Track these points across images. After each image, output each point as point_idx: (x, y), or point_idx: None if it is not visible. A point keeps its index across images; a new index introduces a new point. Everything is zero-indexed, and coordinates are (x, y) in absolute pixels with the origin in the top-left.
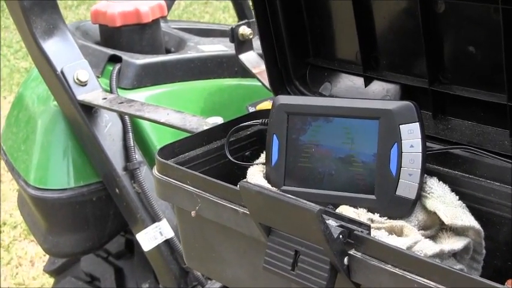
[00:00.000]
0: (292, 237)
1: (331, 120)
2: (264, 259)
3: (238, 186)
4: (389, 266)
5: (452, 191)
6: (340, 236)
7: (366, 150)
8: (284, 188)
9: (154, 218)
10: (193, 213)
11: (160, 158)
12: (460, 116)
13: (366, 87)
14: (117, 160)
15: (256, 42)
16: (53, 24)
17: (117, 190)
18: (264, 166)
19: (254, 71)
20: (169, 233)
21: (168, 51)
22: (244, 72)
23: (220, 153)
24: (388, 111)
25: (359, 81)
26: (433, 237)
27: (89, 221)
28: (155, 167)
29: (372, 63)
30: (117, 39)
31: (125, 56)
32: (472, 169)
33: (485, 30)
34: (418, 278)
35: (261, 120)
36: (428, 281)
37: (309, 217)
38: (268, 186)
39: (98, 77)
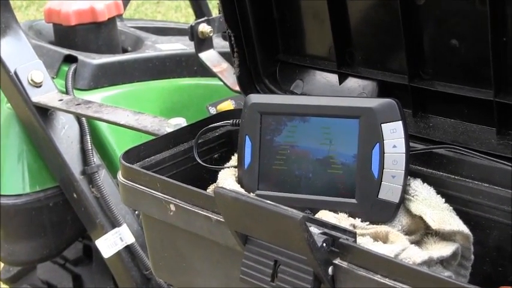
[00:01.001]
0: (272, 245)
1: (307, 119)
2: (240, 269)
3: (212, 192)
4: (378, 276)
5: (438, 193)
6: (324, 244)
7: (346, 151)
8: (258, 192)
9: (114, 223)
10: (172, 206)
11: (125, 162)
12: (442, 114)
13: (340, 84)
14: (74, 164)
15: (216, 40)
16: (5, 23)
17: (74, 195)
18: (236, 169)
19: (215, 69)
20: (130, 239)
21: (125, 51)
22: (204, 71)
23: (188, 156)
24: (369, 110)
25: (333, 78)
26: (418, 243)
27: (46, 228)
28: (119, 171)
29: (346, 58)
30: (72, 38)
31: (81, 55)
32: (458, 169)
33: (469, 22)
34: None
35: (231, 121)
36: None
37: (291, 225)
38: (242, 190)
39: (53, 77)
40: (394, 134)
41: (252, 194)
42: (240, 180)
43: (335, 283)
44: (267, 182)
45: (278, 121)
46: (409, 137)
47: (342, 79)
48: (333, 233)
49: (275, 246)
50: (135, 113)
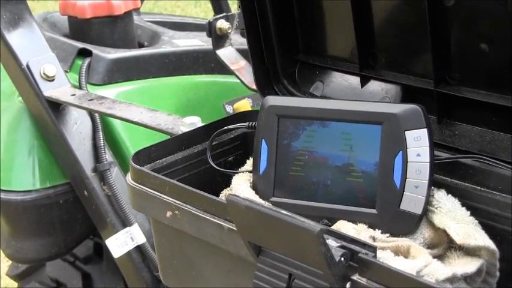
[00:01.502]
0: (286, 258)
1: (327, 124)
2: (253, 282)
3: (225, 199)
4: None
5: (463, 205)
6: (342, 259)
7: (367, 158)
8: (273, 199)
9: (125, 223)
10: (168, 213)
11: (135, 164)
12: (468, 122)
13: (362, 87)
14: (86, 161)
15: (235, 37)
16: (18, 14)
17: (85, 192)
18: (251, 174)
19: (232, 67)
20: (141, 239)
21: (141, 46)
22: (221, 68)
23: (201, 159)
24: (393, 116)
25: (355, 80)
26: (440, 257)
27: (55, 225)
28: (129, 174)
29: (369, 61)
30: (87, 32)
31: (95, 49)
32: (484, 181)
33: (500, 26)
34: None
35: (247, 123)
36: None
37: (307, 238)
38: (256, 197)
39: (66, 71)
40: (418, 142)
41: (266, 202)
42: (254, 186)
43: None
44: (283, 189)
45: (296, 125)
46: (433, 146)
47: (364, 82)
48: (352, 246)
49: (290, 258)
50: (149, 110)
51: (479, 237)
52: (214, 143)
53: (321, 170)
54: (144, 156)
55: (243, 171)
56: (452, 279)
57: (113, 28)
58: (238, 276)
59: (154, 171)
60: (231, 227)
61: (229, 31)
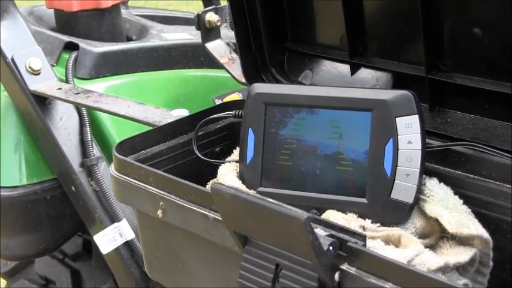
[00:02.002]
0: (273, 248)
1: (316, 112)
2: (239, 273)
3: (209, 188)
4: (389, 284)
5: (455, 193)
6: (331, 248)
7: (357, 146)
8: (261, 189)
9: (114, 218)
10: (159, 212)
11: (119, 154)
12: (461, 109)
13: (352, 75)
14: (73, 156)
15: (224, 31)
16: (3, 8)
17: (73, 188)
18: (238, 164)
19: (221, 60)
20: (130, 235)
21: (129, 39)
22: (211, 62)
23: (187, 149)
24: (383, 102)
25: (344, 68)
26: (433, 247)
27: (43, 221)
28: (112, 164)
29: (359, 48)
30: (73, 25)
31: (82, 43)
32: (477, 169)
33: (494, 10)
34: None
35: (234, 112)
36: None
37: (295, 226)
38: (243, 187)
39: (52, 65)
40: (409, 129)
41: (253, 191)
42: (241, 176)
43: None
44: (271, 179)
45: (284, 113)
46: (425, 133)
47: (354, 70)
48: (341, 235)
49: (277, 248)
50: (136, 104)
51: (472, 226)
52: (200, 133)
53: (310, 159)
54: (128, 146)
55: (229, 161)
56: (444, 269)
57: (100, 21)
58: (224, 268)
59: (138, 161)
60: (216, 217)
61: (218, 24)
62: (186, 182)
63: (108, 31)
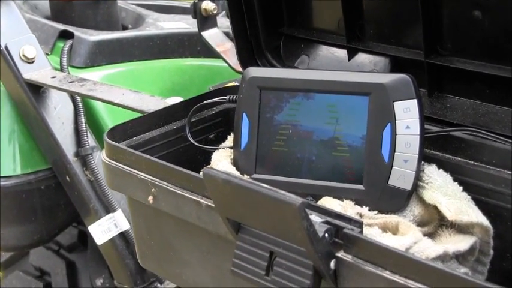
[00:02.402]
0: (267, 235)
1: (312, 96)
2: (232, 261)
3: (201, 173)
4: (386, 272)
5: (455, 180)
6: (326, 235)
7: (353, 131)
8: (255, 175)
9: (109, 209)
10: (151, 199)
11: (110, 140)
12: (461, 94)
13: (349, 60)
14: (67, 145)
15: (221, 20)
16: None
17: (67, 178)
18: (232, 150)
19: (218, 49)
20: (125, 225)
21: (125, 28)
22: (208, 52)
23: (180, 136)
24: (380, 86)
25: (342, 53)
26: (431, 235)
27: (37, 212)
28: (103, 150)
29: (356, 32)
30: (68, 14)
31: (77, 31)
32: (477, 155)
33: None
34: (422, 286)
35: (228, 97)
36: None
37: (288, 212)
38: (237, 173)
39: (47, 54)
40: (407, 114)
41: (247, 177)
42: (235, 163)
43: (337, 279)
44: (265, 165)
45: (279, 97)
46: (424, 118)
47: (351, 54)
48: (337, 222)
49: (271, 235)
50: (131, 92)
51: (472, 213)
52: (194, 119)
53: (305, 144)
54: (120, 132)
55: (223, 148)
56: (443, 258)
57: (96, 10)
58: (218, 256)
59: (130, 148)
60: (209, 203)
61: (214, 12)
62: (178, 167)
63: (104, 20)
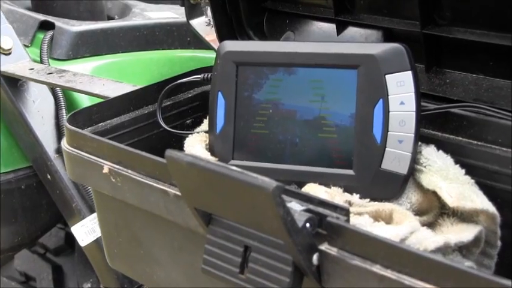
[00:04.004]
0: (241, 227)
1: (294, 71)
2: (203, 258)
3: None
4: (377, 266)
5: (456, 162)
6: (307, 225)
7: (341, 109)
8: (233, 162)
9: (93, 208)
10: (115, 190)
11: (71, 125)
12: (461, 68)
13: (338, 35)
14: (48, 141)
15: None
16: None
17: (48, 176)
18: (207, 134)
19: (207, 38)
20: None
21: (110, 20)
22: (198, 42)
23: (153, 121)
24: (370, 57)
25: (330, 28)
26: (431, 225)
27: (17, 213)
28: (64, 138)
29: (346, 4)
30: (49, 4)
31: (59, 22)
32: (481, 133)
33: None
34: (419, 282)
35: (202, 75)
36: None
37: (262, 198)
38: (212, 159)
39: (26, 46)
40: (401, 88)
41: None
42: (211, 148)
43: (321, 275)
44: (244, 150)
45: (258, 73)
46: (420, 92)
47: (340, 29)
48: (320, 210)
49: (245, 227)
50: (112, 82)
51: (476, 199)
52: (168, 103)
53: (288, 125)
54: (84, 117)
55: (197, 132)
56: (444, 250)
57: (78, 0)
58: (190, 253)
59: (96, 134)
60: (177, 192)
61: None
62: (142, 152)
63: (87, 10)
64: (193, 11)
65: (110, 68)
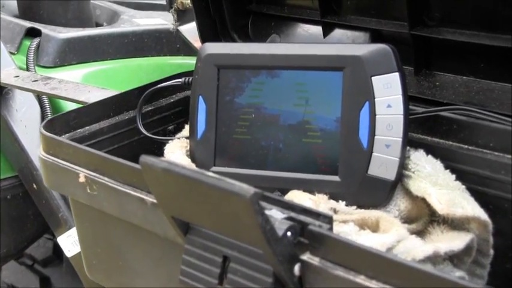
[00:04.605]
0: (220, 236)
1: (277, 74)
2: (180, 269)
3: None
4: (361, 277)
5: (446, 168)
6: (288, 234)
7: (326, 113)
8: (215, 168)
9: None
10: (92, 199)
11: (47, 131)
12: (451, 70)
13: (325, 37)
14: (33, 150)
15: None
16: None
17: (34, 185)
18: (188, 140)
19: (196, 44)
20: None
21: (99, 27)
22: (188, 50)
23: (133, 127)
24: (356, 59)
25: (316, 30)
26: (421, 233)
27: (3, 223)
28: (41, 145)
29: (332, 5)
30: (36, 10)
31: (45, 29)
32: (472, 137)
33: None
34: None
35: (183, 79)
36: None
37: (239, 205)
38: (193, 166)
39: (13, 53)
40: (388, 90)
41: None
42: (191, 154)
43: (303, 286)
44: (226, 156)
45: (240, 77)
46: (408, 94)
47: (327, 31)
48: (302, 218)
49: (224, 236)
50: (98, 89)
51: (467, 206)
52: (149, 108)
53: (271, 130)
54: (62, 123)
55: (178, 138)
56: (434, 259)
57: (66, 6)
58: (171, 263)
59: (74, 141)
60: (155, 201)
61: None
62: (119, 159)
63: (75, 17)
64: (182, 17)
65: (97, 75)
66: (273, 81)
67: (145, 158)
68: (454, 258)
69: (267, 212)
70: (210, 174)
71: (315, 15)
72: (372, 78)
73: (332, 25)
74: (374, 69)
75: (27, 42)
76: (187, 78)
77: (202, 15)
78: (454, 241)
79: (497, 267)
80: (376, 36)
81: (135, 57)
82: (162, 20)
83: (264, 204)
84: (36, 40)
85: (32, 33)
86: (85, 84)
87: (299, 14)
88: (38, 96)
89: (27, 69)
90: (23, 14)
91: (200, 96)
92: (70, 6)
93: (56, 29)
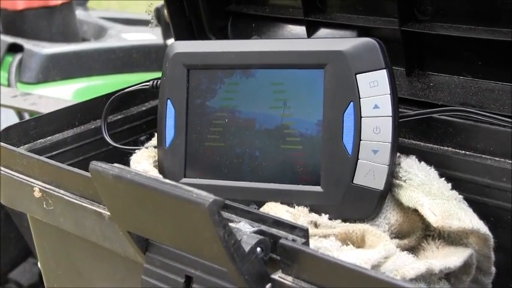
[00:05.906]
0: (181, 253)
1: (252, 73)
2: None
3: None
4: None
5: (442, 175)
6: (258, 249)
7: (307, 116)
8: (185, 180)
9: None
10: (47, 214)
11: (3, 142)
12: (446, 70)
13: (309, 37)
14: None
15: None
16: None
17: None
18: (156, 150)
19: None
20: None
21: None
22: None
23: (101, 137)
24: (339, 54)
25: (300, 30)
26: (414, 249)
27: None
28: None
29: (316, 3)
30: (20, 25)
31: (28, 44)
32: (469, 142)
33: None
34: None
35: (151, 82)
36: None
37: (197, 216)
38: (160, 177)
39: None
40: (375, 89)
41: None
42: (160, 164)
43: None
44: (197, 166)
45: (211, 77)
46: (397, 94)
47: (311, 30)
48: (273, 231)
49: (186, 253)
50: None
51: (464, 217)
52: (119, 116)
53: (247, 136)
54: (19, 133)
55: (146, 147)
56: (428, 277)
57: (50, 20)
58: (133, 285)
59: (32, 152)
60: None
61: None
62: (73, 169)
63: (60, 31)
64: (169, 31)
65: (83, 92)
66: (247, 82)
67: (95, 165)
68: (451, 277)
69: (232, 224)
70: (165, 181)
71: (298, 13)
72: (357, 76)
73: (317, 24)
74: (359, 66)
75: (9, 58)
76: (155, 81)
77: (176, 15)
78: (451, 257)
79: (500, 286)
80: (364, 35)
81: (122, 73)
82: (151, 35)
83: (229, 215)
84: (18, 56)
85: (15, 48)
86: (66, 99)
87: (281, 14)
88: (19, 112)
89: (9, 86)
90: (6, 28)
91: (168, 100)
92: (55, 20)
93: (40, 44)
